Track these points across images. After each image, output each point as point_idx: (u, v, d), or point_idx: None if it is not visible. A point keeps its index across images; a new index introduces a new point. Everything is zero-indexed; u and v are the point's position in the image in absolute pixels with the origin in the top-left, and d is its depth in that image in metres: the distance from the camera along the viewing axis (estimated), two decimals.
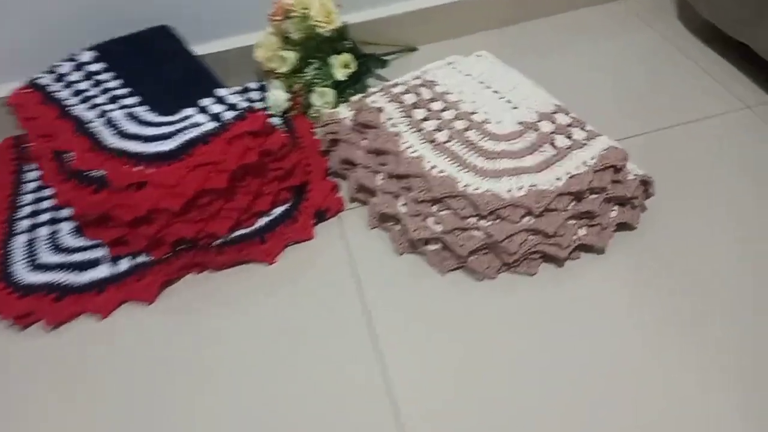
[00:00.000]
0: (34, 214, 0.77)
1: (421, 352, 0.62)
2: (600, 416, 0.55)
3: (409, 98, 0.76)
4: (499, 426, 0.55)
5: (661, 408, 0.55)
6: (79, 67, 0.79)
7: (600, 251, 0.67)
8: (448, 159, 0.69)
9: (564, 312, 0.63)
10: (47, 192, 0.79)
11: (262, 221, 0.73)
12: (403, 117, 0.74)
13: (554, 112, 0.72)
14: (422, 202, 0.68)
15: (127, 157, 0.66)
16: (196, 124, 0.69)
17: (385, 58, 0.98)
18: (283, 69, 0.87)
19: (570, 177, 0.65)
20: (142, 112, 0.72)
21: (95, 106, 0.73)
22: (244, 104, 0.71)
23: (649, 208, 0.71)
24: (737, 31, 0.90)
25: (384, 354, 0.62)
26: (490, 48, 1.00)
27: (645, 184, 0.68)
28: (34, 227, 0.75)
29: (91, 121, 0.71)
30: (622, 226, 0.69)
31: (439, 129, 0.72)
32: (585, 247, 0.68)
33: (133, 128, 0.70)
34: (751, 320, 0.61)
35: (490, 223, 0.65)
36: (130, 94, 0.75)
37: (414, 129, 0.73)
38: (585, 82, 0.93)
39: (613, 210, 0.68)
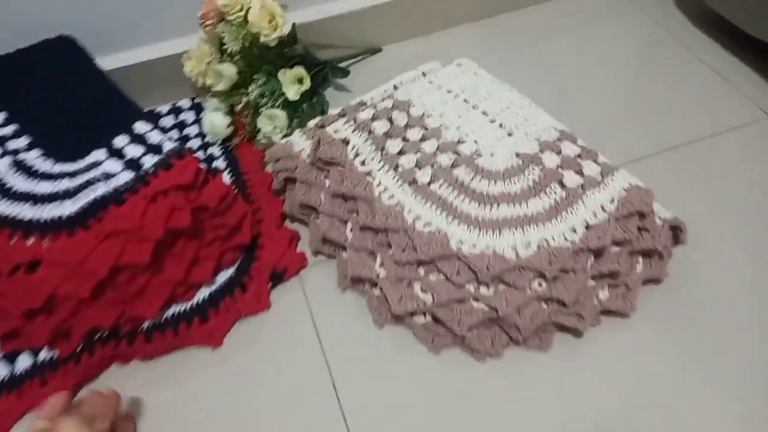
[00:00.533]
0: None
1: None
2: None
3: (380, 126, 0.61)
4: None
5: None
6: None
7: (624, 315, 0.55)
8: (434, 206, 0.55)
9: (584, 393, 0.51)
10: None
11: (202, 293, 0.58)
12: (375, 151, 0.60)
13: (558, 140, 0.59)
14: (406, 263, 0.54)
15: (12, 228, 0.50)
16: (107, 176, 0.53)
17: (344, 65, 0.82)
18: (221, 86, 0.71)
19: (587, 228, 0.53)
20: (34, 159, 0.56)
21: None
22: (170, 145, 0.55)
23: (674, 252, 0.59)
24: (745, 22, 0.79)
25: None
26: (465, 46, 0.87)
27: (675, 230, 0.56)
28: None
29: None
30: (648, 280, 0.57)
31: (419, 166, 0.58)
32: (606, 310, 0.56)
33: (21, 184, 0.53)
34: None
35: (492, 291, 0.52)
36: (17, 134, 0.58)
37: (389, 166, 0.59)
38: (572, 86, 0.79)
39: (637, 263, 0.56)
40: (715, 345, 0.54)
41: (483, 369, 0.54)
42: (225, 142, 0.72)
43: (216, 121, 0.69)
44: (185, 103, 0.78)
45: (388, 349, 0.56)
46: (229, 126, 0.71)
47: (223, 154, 0.71)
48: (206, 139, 0.73)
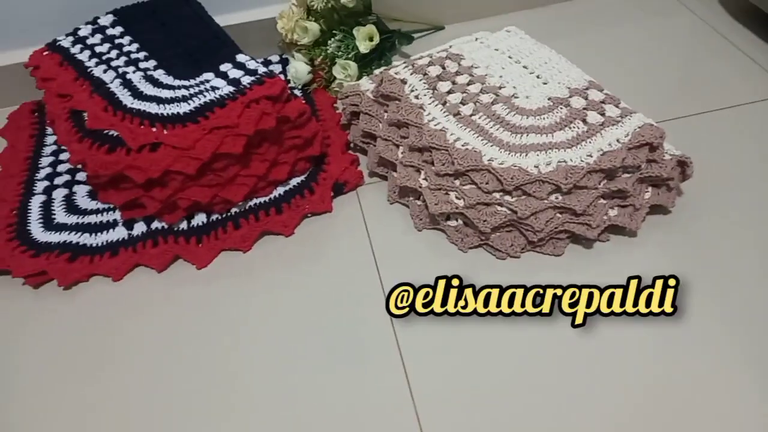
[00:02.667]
0: (52, 176, 0.76)
1: (438, 332, 0.59)
2: (622, 405, 0.52)
3: (434, 70, 0.73)
4: (515, 412, 0.52)
5: (691, 401, 0.52)
6: (97, 30, 0.78)
7: (632, 234, 0.64)
8: (473, 132, 0.66)
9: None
10: (64, 155, 0.79)
11: (278, 191, 0.71)
12: (427, 89, 0.71)
13: (587, 88, 0.69)
14: (444, 175, 0.65)
15: (142, 118, 0.65)
16: (214, 88, 0.67)
17: (410, 34, 0.95)
18: (305, 40, 0.85)
19: (602, 154, 0.62)
20: (160, 75, 0.71)
21: (113, 68, 0.72)
22: (263, 69, 0.69)
23: (685, 191, 0.67)
24: None
25: (399, 330, 0.59)
26: (519, 28, 0.97)
27: (682, 165, 0.64)
28: (50, 189, 0.74)
29: (108, 83, 0.69)
30: (656, 209, 0.65)
31: (463, 102, 0.69)
32: (615, 229, 0.64)
33: (150, 90, 0.68)
34: None
35: (515, 198, 0.62)
36: (147, 58, 0.73)
37: (438, 102, 0.70)
38: (619, 66, 0.88)
39: (646, 191, 0.64)
40: (712, 268, 0.61)
41: (503, 266, 0.63)
42: (305, 86, 0.86)
43: (299, 67, 0.84)
44: (274, 57, 0.93)
45: (425, 248, 0.66)
46: (309, 73, 0.85)
47: (302, 96, 0.85)
48: (289, 85, 0.87)
